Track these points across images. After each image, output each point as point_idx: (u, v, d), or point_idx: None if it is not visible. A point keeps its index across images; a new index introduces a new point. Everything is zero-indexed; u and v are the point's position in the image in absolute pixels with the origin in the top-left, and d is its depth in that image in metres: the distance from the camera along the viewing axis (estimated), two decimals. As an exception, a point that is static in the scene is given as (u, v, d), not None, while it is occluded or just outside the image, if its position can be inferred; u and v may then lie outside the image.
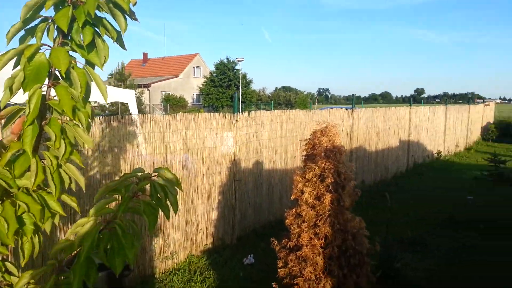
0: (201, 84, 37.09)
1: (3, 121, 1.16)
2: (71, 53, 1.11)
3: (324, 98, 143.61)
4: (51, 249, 1.13)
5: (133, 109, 5.94)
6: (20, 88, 1.07)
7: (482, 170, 8.78)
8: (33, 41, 1.12)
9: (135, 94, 14.29)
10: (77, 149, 2.23)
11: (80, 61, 1.15)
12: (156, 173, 1.12)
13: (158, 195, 1.09)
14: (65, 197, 1.21)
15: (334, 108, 7.91)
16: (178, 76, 38.16)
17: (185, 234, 4.42)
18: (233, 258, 4.49)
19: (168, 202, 1.12)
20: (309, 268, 2.64)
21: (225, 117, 4.79)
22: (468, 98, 21.41)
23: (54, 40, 1.13)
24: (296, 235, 2.74)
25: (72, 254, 1.02)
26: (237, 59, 28.74)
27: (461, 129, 13.81)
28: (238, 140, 4.97)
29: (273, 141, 5.63)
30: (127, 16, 1.15)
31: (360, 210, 3.09)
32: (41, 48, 1.09)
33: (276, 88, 49.96)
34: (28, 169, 1.10)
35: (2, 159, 1.09)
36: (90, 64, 1.15)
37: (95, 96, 1.78)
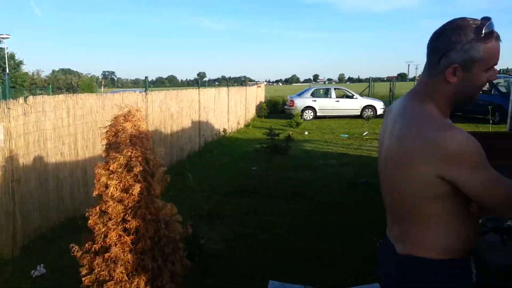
0: None
1: None
2: None
3: (110, 81, 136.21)
4: None
5: None
6: None
7: (261, 143, 10.01)
8: None
9: None
10: None
11: None
12: None
13: None
14: None
15: (127, 91, 7.51)
16: None
17: None
18: (17, 273, 3.78)
19: None
20: (120, 269, 2.43)
21: (-8, 105, 3.89)
22: (241, 81, 23.86)
23: None
24: (102, 235, 2.47)
25: None
26: (0, 36, 23.93)
27: (241, 108, 15.37)
28: (13, 132, 4.13)
29: (59, 130, 4.93)
30: None
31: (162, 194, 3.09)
32: None
33: (53, 71, 44.19)
34: None
35: None
36: None
37: None
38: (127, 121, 2.44)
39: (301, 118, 16.14)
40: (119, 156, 2.41)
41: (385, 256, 1.49)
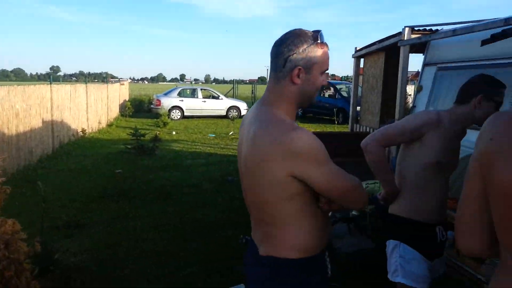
0: None
1: None
2: None
3: None
4: None
5: None
6: None
7: (126, 144, 9.51)
8: None
9: None
10: None
11: None
12: None
13: None
14: None
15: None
16: None
17: None
18: None
19: None
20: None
21: None
22: (103, 77, 22.37)
23: None
24: None
25: None
26: None
27: (102, 106, 14.35)
28: None
29: None
30: None
31: (5, 206, 2.61)
32: None
33: None
34: None
35: None
36: None
37: None
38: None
39: (169, 118, 15.87)
40: None
41: (250, 258, 1.54)
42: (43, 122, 8.68)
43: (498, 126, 0.90)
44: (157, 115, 15.75)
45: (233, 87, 25.64)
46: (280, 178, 1.31)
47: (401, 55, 4.66)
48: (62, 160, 8.57)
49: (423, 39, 4.37)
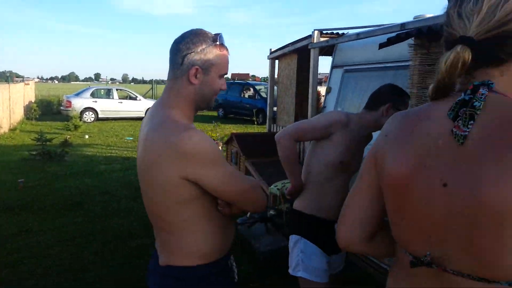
0: None
1: None
2: None
3: None
4: None
5: None
6: None
7: (30, 150, 8.71)
8: None
9: None
10: None
11: None
12: None
13: None
14: None
15: None
16: None
17: None
18: None
19: None
20: None
21: None
22: (7, 77, 20.34)
23: None
24: None
25: None
26: None
27: (3, 109, 13.00)
28: None
29: None
30: None
31: None
32: None
33: None
34: None
35: None
36: None
37: None
38: None
39: (81, 120, 14.88)
40: None
41: (151, 269, 1.47)
42: None
43: (392, 124, 0.96)
44: (68, 118, 14.68)
45: (152, 87, 24.84)
46: (173, 182, 1.25)
47: (312, 57, 4.83)
48: (-48, 170, 7.60)
49: (331, 42, 4.57)
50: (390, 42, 2.34)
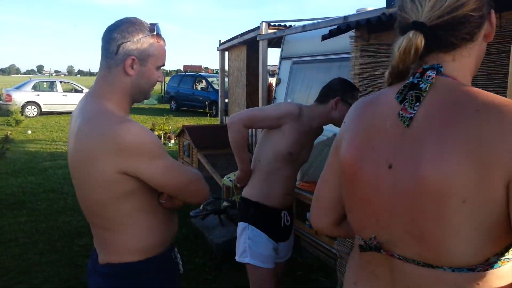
0: None
1: None
2: None
3: None
4: None
5: None
6: None
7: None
8: None
9: None
10: None
11: None
12: None
13: None
14: None
15: None
16: None
17: None
18: None
19: None
20: None
21: None
22: None
23: None
24: None
25: None
26: None
27: None
28: None
29: None
30: None
31: None
32: None
33: None
34: None
35: None
36: None
37: None
38: None
39: (22, 115, 14.03)
40: None
41: (91, 268, 1.42)
42: None
43: (350, 111, 0.98)
44: (8, 113, 13.81)
45: (99, 80, 23.86)
46: (110, 177, 1.20)
47: (260, 49, 4.87)
48: None
49: (278, 34, 4.63)
50: (331, 34, 2.41)
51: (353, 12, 3.41)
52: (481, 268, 0.77)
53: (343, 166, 0.93)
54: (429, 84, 0.81)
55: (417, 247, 0.81)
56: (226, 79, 7.36)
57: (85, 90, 16.75)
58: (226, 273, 3.51)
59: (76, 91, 16.69)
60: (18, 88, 15.81)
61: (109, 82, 1.29)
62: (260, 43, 4.88)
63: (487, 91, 0.81)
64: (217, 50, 7.05)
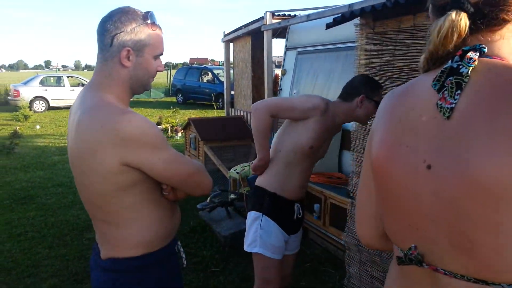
0: None
1: None
2: None
3: None
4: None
5: None
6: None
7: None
8: None
9: None
10: None
11: None
12: None
13: None
14: None
15: None
16: None
17: None
18: None
19: None
20: None
21: None
22: None
23: None
24: None
25: None
26: None
27: None
28: None
29: None
30: None
31: None
32: None
33: None
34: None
35: None
36: None
37: None
38: None
39: (31, 110, 14.16)
40: None
41: (93, 263, 1.41)
42: None
43: (382, 103, 0.87)
44: (17, 108, 13.92)
45: (106, 74, 23.92)
46: (112, 169, 1.18)
47: (265, 39, 4.82)
48: None
49: (283, 24, 4.57)
50: (335, 22, 2.36)
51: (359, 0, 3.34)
52: None
53: (374, 166, 0.82)
54: (471, 68, 0.69)
55: (468, 261, 0.68)
56: (232, 71, 7.32)
57: (92, 84, 16.78)
58: (234, 265, 3.51)
59: (83, 85, 16.69)
60: (25, 83, 15.91)
61: (107, 75, 1.26)
62: (265, 33, 4.83)
63: None
64: (222, 42, 7.00)
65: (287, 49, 4.69)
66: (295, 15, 4.78)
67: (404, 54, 2.29)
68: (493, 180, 0.62)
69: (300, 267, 3.37)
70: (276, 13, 4.80)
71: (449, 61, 0.72)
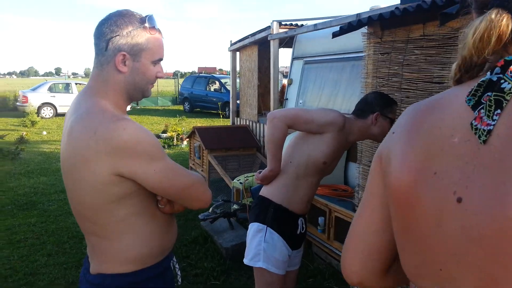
0: None
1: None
2: None
3: None
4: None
5: None
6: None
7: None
8: None
9: None
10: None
11: None
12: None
13: None
14: None
15: None
16: None
17: None
18: None
19: None
20: None
21: None
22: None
23: None
24: None
25: None
26: None
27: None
28: None
29: None
30: None
31: None
32: None
33: None
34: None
35: None
36: None
37: None
38: None
39: (38, 116, 14.26)
40: None
41: (82, 276, 1.34)
42: None
43: (401, 118, 0.74)
44: (25, 114, 14.02)
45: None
46: (104, 179, 1.11)
47: (272, 49, 4.78)
48: None
49: (289, 33, 4.54)
50: (342, 31, 2.31)
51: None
52: None
53: (393, 191, 0.70)
54: None
55: None
56: (238, 80, 7.29)
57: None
58: (235, 278, 3.42)
59: (91, 92, 16.84)
60: (34, 89, 16.06)
61: (103, 80, 1.21)
62: (271, 42, 4.79)
63: None
64: (229, 51, 6.99)
65: (293, 58, 4.65)
66: (302, 25, 4.74)
67: (413, 64, 2.22)
68: None
69: (302, 283, 3.27)
70: (283, 23, 4.77)
71: (488, 73, 0.62)
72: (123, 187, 1.14)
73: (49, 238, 4.26)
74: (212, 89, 17.54)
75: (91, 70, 1.30)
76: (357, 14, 3.16)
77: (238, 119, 6.94)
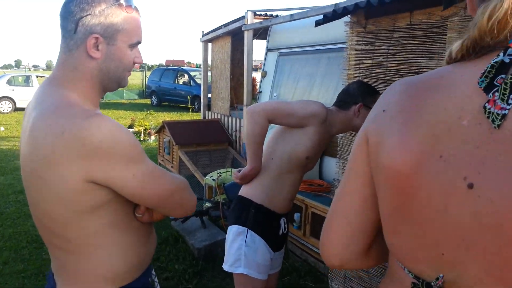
0: None
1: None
2: None
3: None
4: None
5: None
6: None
7: None
8: None
9: None
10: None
11: None
12: None
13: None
14: None
15: None
16: None
17: None
18: None
19: None
20: None
21: None
22: None
23: None
24: None
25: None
26: None
27: None
28: None
29: None
30: None
31: None
32: None
33: None
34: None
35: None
36: None
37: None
38: None
39: (-5, 111, 13.49)
40: None
41: None
42: None
43: (391, 95, 0.70)
44: (-20, 109, 13.23)
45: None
46: (74, 186, 0.93)
47: (246, 39, 4.61)
48: None
49: (264, 24, 4.37)
50: (326, 19, 2.17)
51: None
52: None
53: (389, 173, 0.67)
54: None
55: None
56: (210, 73, 7.06)
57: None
58: (208, 280, 3.26)
59: (53, 85, 16.10)
60: (-9, 82, 15.16)
61: (71, 68, 1.01)
62: (246, 33, 4.61)
63: None
64: (200, 42, 6.74)
65: (268, 50, 4.49)
66: (277, 15, 4.59)
67: (398, 55, 2.12)
68: None
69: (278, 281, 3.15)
70: (258, 13, 4.59)
71: (501, 54, 0.58)
72: (96, 196, 0.97)
73: (5, 244, 3.94)
74: (181, 82, 17.15)
75: (52, 63, 1.08)
76: (335, 5, 3.04)
77: (210, 113, 6.74)
